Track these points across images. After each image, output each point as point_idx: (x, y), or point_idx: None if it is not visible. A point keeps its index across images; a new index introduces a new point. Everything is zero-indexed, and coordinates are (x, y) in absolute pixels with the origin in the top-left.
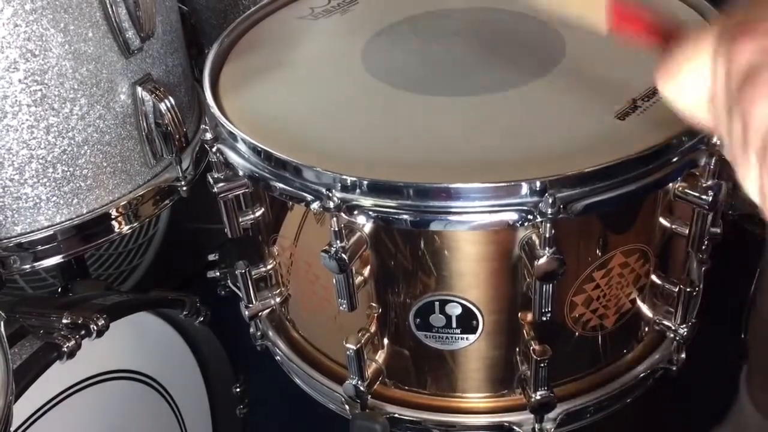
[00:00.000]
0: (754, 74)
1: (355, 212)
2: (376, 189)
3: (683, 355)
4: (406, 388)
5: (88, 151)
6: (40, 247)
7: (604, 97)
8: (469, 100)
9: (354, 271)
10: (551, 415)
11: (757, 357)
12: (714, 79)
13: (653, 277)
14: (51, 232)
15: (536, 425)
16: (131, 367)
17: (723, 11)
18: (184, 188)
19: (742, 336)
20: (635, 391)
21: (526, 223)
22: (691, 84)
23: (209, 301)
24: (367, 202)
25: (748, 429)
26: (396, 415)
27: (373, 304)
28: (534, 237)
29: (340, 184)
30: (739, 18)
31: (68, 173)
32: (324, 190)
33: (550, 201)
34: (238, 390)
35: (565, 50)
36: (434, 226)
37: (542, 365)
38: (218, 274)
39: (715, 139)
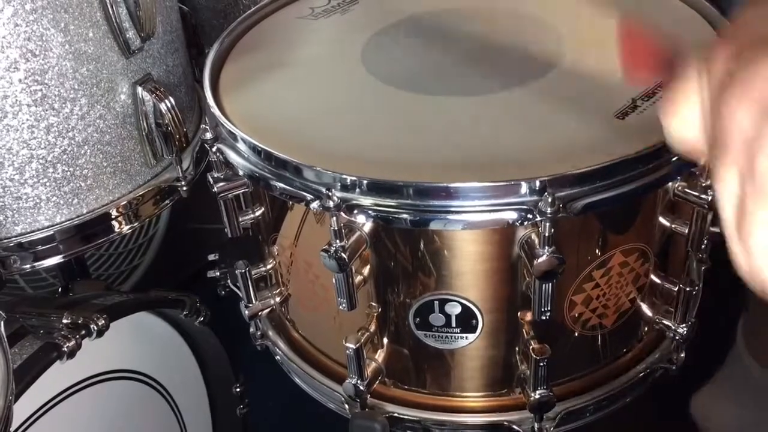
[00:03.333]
0: (729, 83)
1: (355, 211)
2: (376, 188)
3: (683, 355)
4: (406, 387)
5: (89, 151)
6: (40, 247)
7: (604, 97)
8: (469, 99)
9: (353, 271)
10: (550, 414)
11: (756, 309)
12: (702, 101)
13: (653, 277)
14: (51, 232)
15: (535, 424)
16: (131, 367)
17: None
18: (185, 188)
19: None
20: (635, 390)
21: (525, 223)
22: (689, 114)
23: (209, 301)
24: (367, 201)
25: (745, 377)
26: (395, 415)
27: (373, 304)
28: (533, 236)
29: (339, 184)
30: (717, 38)
31: (68, 173)
32: (324, 190)
33: (550, 200)
34: (238, 390)
35: (565, 50)
36: (434, 226)
37: (541, 364)
38: (218, 274)
39: None
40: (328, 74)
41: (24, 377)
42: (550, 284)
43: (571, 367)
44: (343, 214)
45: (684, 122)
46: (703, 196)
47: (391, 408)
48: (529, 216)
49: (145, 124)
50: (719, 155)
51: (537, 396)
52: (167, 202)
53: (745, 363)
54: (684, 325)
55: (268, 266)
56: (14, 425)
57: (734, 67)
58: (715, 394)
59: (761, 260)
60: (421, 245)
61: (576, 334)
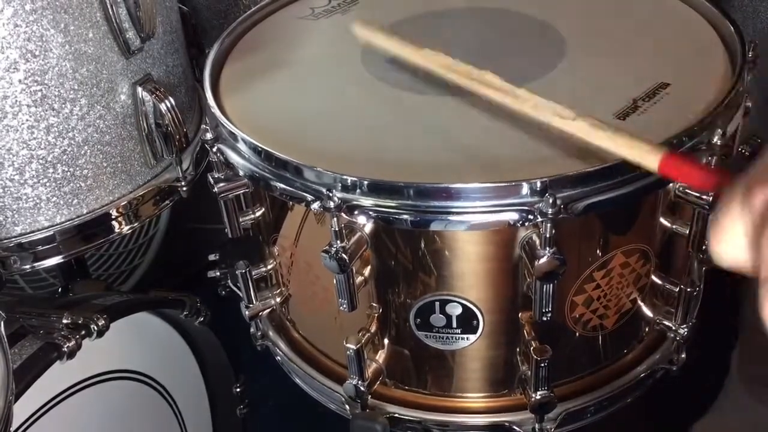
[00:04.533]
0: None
1: (356, 212)
2: (377, 189)
3: (683, 355)
4: (407, 388)
5: (89, 151)
6: (40, 248)
7: (604, 97)
8: (469, 99)
9: (354, 271)
10: (551, 415)
11: (749, 344)
12: (745, 231)
13: (654, 277)
14: (51, 233)
15: (536, 425)
16: (131, 367)
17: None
18: (185, 188)
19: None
20: (635, 391)
21: (526, 223)
22: (736, 239)
23: (209, 301)
24: (368, 202)
25: (740, 411)
26: (396, 415)
27: (374, 304)
28: (534, 237)
29: (340, 184)
30: (754, 172)
31: (68, 173)
32: (324, 190)
33: (551, 201)
34: (238, 390)
35: (565, 50)
36: (435, 227)
37: (542, 365)
38: (219, 274)
39: (715, 139)
40: (328, 74)
41: (24, 377)
42: (551, 285)
43: (572, 367)
44: (343, 214)
45: (732, 246)
46: (704, 197)
47: (391, 408)
48: (530, 217)
49: (145, 124)
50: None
51: (538, 397)
52: (167, 202)
53: (738, 395)
54: (685, 325)
55: (269, 266)
56: (14, 425)
57: None
58: (712, 425)
59: None
60: (422, 246)
61: (577, 335)
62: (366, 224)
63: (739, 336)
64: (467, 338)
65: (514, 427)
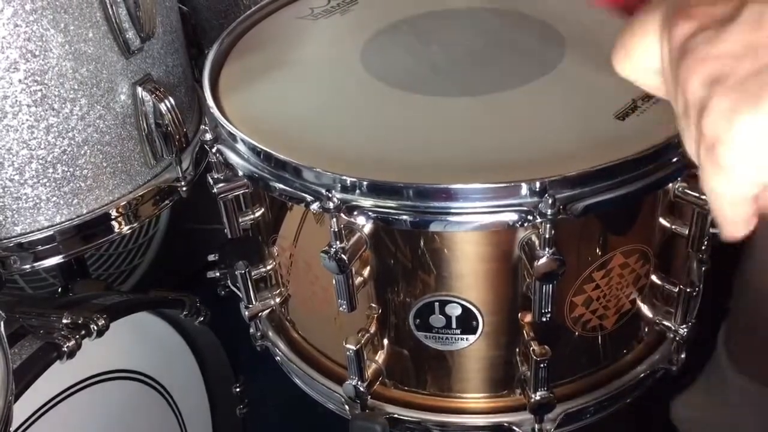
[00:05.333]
0: (686, 53)
1: (355, 213)
2: (376, 189)
3: (683, 356)
4: (406, 388)
5: (88, 151)
6: (40, 247)
7: (604, 97)
8: (469, 100)
9: (354, 272)
10: (551, 415)
11: (738, 316)
12: (661, 56)
13: (653, 278)
14: (51, 233)
15: (536, 425)
16: (131, 367)
17: None
18: (184, 188)
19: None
20: (635, 391)
21: (525, 224)
22: (642, 60)
23: (209, 301)
24: (367, 202)
25: (725, 385)
26: (396, 416)
27: (373, 305)
28: (534, 237)
29: (339, 185)
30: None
31: (68, 173)
32: (323, 191)
33: (550, 201)
34: (238, 390)
35: (565, 50)
36: (434, 227)
37: (542, 366)
38: (218, 274)
39: None
40: (327, 75)
41: (24, 377)
42: (551, 285)
43: (572, 368)
44: (342, 215)
45: (634, 66)
46: (704, 197)
47: (391, 409)
48: (530, 217)
49: (144, 124)
50: (681, 116)
51: (537, 397)
52: (167, 202)
53: (723, 369)
54: (684, 326)
55: (268, 267)
56: (14, 425)
57: (693, 41)
58: (693, 400)
59: (722, 209)
60: (422, 246)
61: (576, 335)
62: (365, 225)
63: (728, 314)
64: (467, 339)
65: (514, 428)
